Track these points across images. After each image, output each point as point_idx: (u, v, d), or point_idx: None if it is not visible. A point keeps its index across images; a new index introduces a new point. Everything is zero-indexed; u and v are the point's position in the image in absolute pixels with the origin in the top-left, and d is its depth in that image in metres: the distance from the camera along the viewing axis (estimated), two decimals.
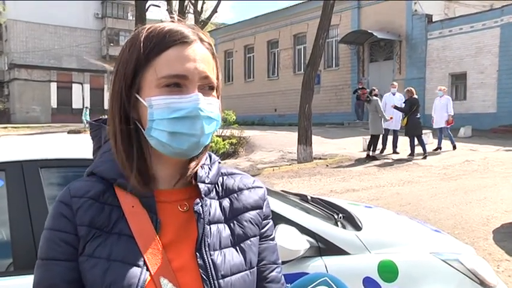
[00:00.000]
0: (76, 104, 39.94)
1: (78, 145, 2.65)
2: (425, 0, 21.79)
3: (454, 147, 13.56)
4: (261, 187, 1.13)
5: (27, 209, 2.07)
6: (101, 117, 1.14)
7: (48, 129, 25.16)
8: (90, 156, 2.52)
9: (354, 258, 2.49)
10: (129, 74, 0.96)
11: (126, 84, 0.97)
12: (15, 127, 26.99)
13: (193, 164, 1.03)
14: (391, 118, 13.10)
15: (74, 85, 39.88)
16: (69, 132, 19.94)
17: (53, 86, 39.20)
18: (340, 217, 2.85)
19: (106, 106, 32.17)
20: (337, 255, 2.47)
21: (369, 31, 22.05)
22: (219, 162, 1.11)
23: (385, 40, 22.75)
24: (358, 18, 24.30)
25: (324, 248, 2.46)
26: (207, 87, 0.97)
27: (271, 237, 1.12)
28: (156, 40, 0.95)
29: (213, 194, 1.06)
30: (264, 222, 1.11)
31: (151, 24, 1.00)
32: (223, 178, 1.10)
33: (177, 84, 0.94)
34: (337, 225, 2.71)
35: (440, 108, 13.45)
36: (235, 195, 1.08)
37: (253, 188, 1.12)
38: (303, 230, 2.42)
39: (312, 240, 2.43)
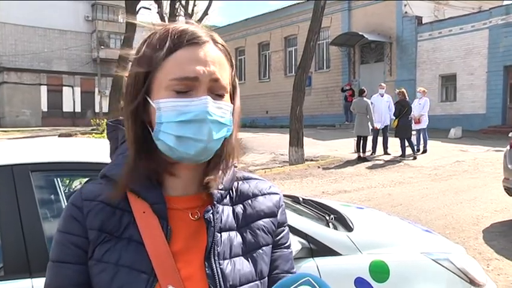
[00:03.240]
0: (67, 107, 39.58)
1: (69, 148, 2.64)
2: (416, 1, 21.95)
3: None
4: (277, 193, 1.09)
5: (18, 213, 2.06)
6: (120, 117, 1.09)
7: (38, 133, 24.96)
8: (80, 159, 2.50)
9: (346, 259, 2.50)
10: (141, 75, 0.93)
11: (138, 85, 0.94)
12: (5, 131, 26.67)
13: (213, 172, 0.98)
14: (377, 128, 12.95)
15: (64, 88, 39.51)
16: (60, 135, 19.79)
17: (43, 89, 38.79)
18: (332, 218, 2.86)
19: (97, 109, 31.97)
20: (328, 256, 2.48)
21: (360, 33, 22.17)
22: (235, 167, 1.06)
23: (375, 42, 22.87)
24: (349, 20, 24.41)
25: (316, 249, 2.46)
26: (217, 91, 0.93)
27: (285, 245, 1.08)
28: (168, 40, 0.92)
29: (227, 200, 1.01)
30: (278, 230, 1.07)
31: (167, 24, 0.97)
32: (238, 183, 1.05)
33: (186, 86, 0.90)
34: (329, 226, 2.73)
35: (418, 110, 13.35)
36: (249, 201, 1.04)
37: (268, 194, 1.07)
38: (295, 231, 2.42)
39: (303, 242, 2.43)
